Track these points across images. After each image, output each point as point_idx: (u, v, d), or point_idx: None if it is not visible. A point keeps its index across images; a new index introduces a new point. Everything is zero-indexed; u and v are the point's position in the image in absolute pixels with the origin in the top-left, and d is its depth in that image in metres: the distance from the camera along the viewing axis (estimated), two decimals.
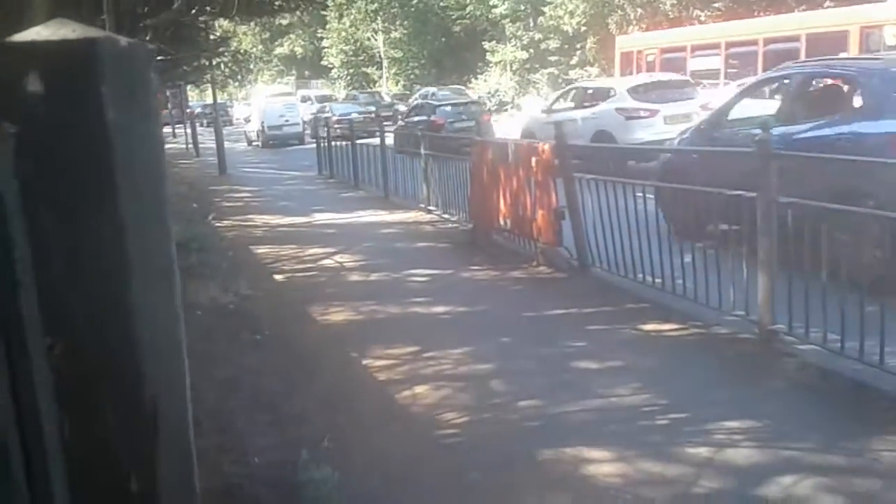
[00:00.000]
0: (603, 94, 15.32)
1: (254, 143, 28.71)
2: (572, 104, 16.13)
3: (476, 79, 42.72)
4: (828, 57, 10.50)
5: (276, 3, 11.32)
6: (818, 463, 3.24)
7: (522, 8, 42.29)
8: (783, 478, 3.14)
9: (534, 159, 6.94)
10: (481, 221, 8.10)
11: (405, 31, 48.83)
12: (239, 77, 31.74)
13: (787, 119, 6.45)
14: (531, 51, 41.99)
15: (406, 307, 5.98)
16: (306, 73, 53.18)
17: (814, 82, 7.27)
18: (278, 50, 55.57)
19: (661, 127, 12.88)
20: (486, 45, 43.43)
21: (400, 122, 21.29)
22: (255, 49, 50.75)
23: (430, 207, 10.00)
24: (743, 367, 4.35)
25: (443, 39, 47.43)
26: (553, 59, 40.68)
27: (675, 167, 6.91)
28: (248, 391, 4.30)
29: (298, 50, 55.56)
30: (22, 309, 0.89)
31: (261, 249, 8.59)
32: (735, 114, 7.77)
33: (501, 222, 7.63)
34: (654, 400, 4.00)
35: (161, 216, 1.05)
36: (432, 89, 33.72)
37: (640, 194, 5.79)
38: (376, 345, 5.01)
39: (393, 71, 49.79)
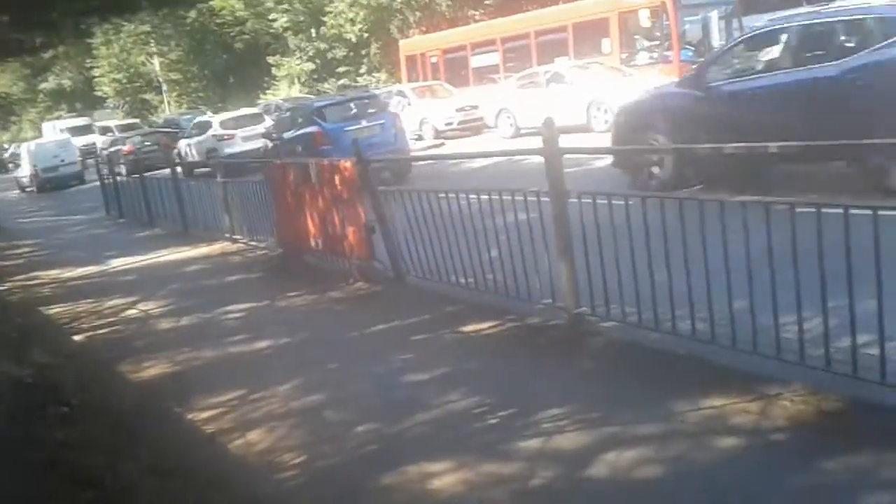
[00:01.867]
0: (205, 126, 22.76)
1: (28, 189, 26.33)
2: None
3: (265, 94, 41.83)
4: None
5: (37, 40, 10.35)
6: (635, 434, 3.51)
7: (302, 19, 41.94)
8: (607, 455, 3.38)
9: (337, 177, 6.94)
10: (291, 245, 7.98)
11: (182, 52, 46.80)
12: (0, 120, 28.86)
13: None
14: (318, 61, 41.75)
15: (225, 348, 5.75)
16: (78, 105, 49.40)
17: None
18: (43, 85, 51.19)
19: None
20: (271, 59, 42.65)
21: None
22: (14, 88, 46.39)
23: (236, 236, 9.68)
24: (557, 354, 4.63)
25: (224, 57, 45.93)
26: (341, 69, 40.72)
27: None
28: (64, 470, 3.95)
29: (66, 83, 51.54)
30: None
31: (54, 309, 7.88)
32: None
33: (312, 243, 7.56)
34: (483, 400, 4.14)
35: None
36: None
37: (444, 197, 5.93)
38: (199, 395, 4.78)
39: (175, 94, 47.56)
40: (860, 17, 7.47)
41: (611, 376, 4.19)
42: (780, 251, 3.62)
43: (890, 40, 6.73)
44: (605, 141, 11.06)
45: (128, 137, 27.16)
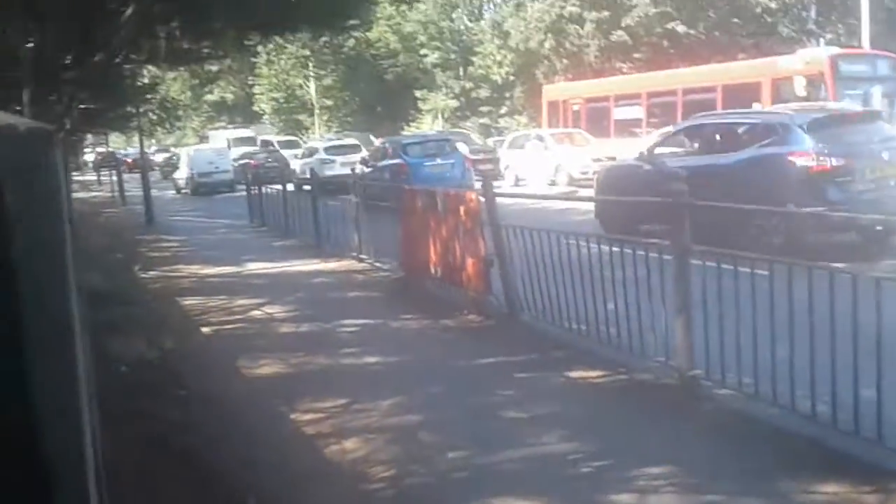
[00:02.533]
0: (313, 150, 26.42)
1: (183, 191, 28.27)
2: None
3: (409, 126, 43.25)
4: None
5: (204, 50, 11.27)
6: None
7: (452, 57, 43.22)
8: None
9: (462, 208, 7.07)
10: (413, 270, 8.17)
11: (336, 78, 49.20)
12: (167, 123, 31.40)
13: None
14: (462, 99, 42.81)
15: (336, 358, 5.95)
16: (237, 119, 52.84)
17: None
18: (207, 97, 55.15)
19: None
20: (418, 92, 44.09)
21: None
22: (183, 96, 50.23)
23: (363, 256, 10.01)
24: (664, 413, 4.48)
25: (375, 87, 47.94)
26: (484, 108, 41.52)
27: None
28: (172, 449, 4.20)
29: (229, 96, 55.29)
30: None
31: (188, 301, 8.43)
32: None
33: (432, 270, 7.71)
34: (580, 448, 4.07)
35: (62, 284, 1.10)
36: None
37: (566, 241, 5.94)
38: (305, 398, 4.97)
39: (325, 118, 49.98)
40: (751, 121, 10.25)
41: (718, 444, 4.01)
42: None
43: (766, 140, 9.15)
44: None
45: (255, 153, 29.99)
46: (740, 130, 9.92)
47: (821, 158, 8.51)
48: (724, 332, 4.42)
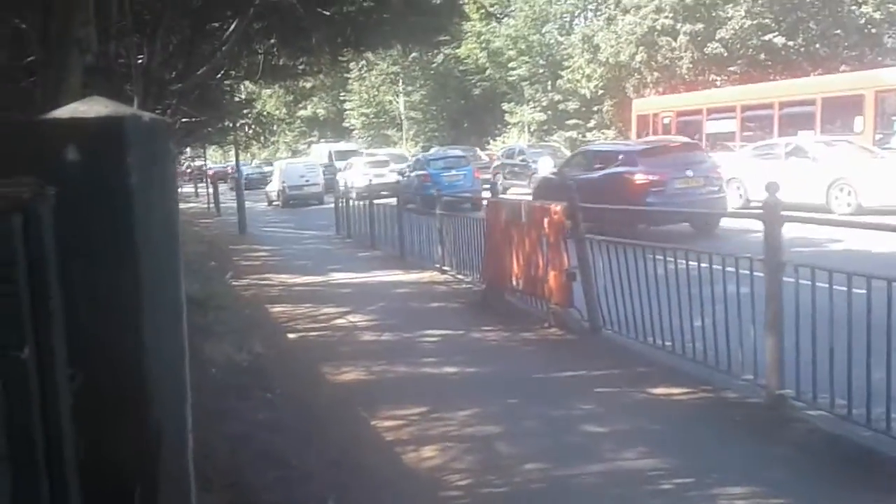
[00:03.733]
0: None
1: (274, 203, 29.21)
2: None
3: (495, 139, 43.36)
4: None
5: (300, 67, 11.69)
6: None
7: (541, 71, 43.14)
8: None
9: (546, 220, 7.05)
10: (494, 282, 8.18)
11: (424, 94, 49.89)
12: (262, 138, 32.57)
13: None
14: (549, 113, 42.64)
15: (416, 367, 6.02)
16: (328, 134, 54.30)
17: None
18: (301, 112, 56.89)
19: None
20: (505, 106, 44.16)
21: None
22: (278, 111, 52.00)
23: (445, 268, 10.10)
24: (750, 433, 4.34)
25: (462, 102, 48.36)
26: (571, 122, 41.24)
27: None
28: (258, 448, 4.35)
29: (321, 112, 56.87)
30: (52, 342, 1.03)
31: (276, 308, 8.70)
32: None
33: (514, 283, 7.70)
34: (660, 465, 3.99)
35: (173, 266, 1.21)
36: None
37: (652, 256, 5.84)
38: (385, 405, 5.05)
39: (412, 132, 50.74)
40: (611, 149, 15.53)
41: (806, 466, 3.86)
42: None
43: (617, 163, 13.38)
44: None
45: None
46: (606, 155, 14.22)
47: (643, 176, 12.67)
48: (816, 350, 4.25)
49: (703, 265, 5.40)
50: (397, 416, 4.84)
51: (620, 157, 13.60)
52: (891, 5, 31.80)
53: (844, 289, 4.17)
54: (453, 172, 21.67)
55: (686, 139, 18.43)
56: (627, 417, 4.70)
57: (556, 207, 6.90)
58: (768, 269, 4.62)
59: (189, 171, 41.01)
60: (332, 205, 17.52)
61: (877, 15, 32.08)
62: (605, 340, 6.32)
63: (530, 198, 13.20)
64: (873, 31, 32.69)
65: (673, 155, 13.84)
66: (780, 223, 4.59)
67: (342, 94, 52.18)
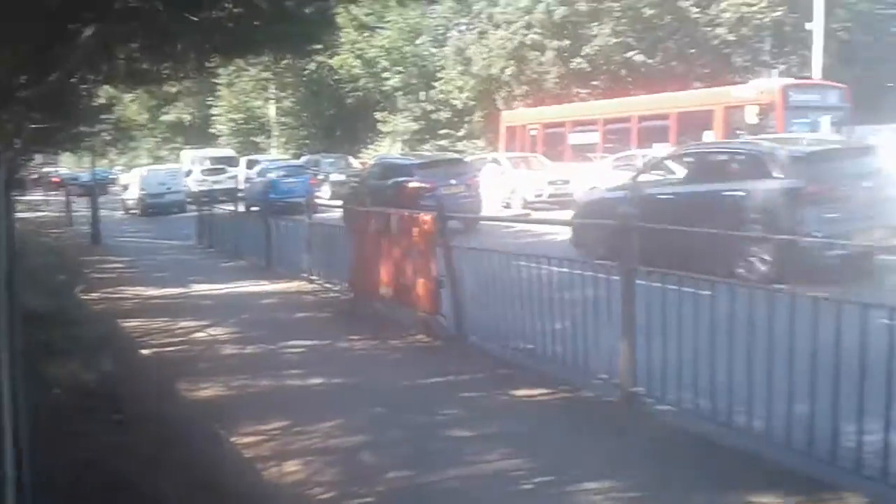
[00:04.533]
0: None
1: (132, 212, 27.89)
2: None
3: (367, 148, 43.25)
4: None
5: (164, 72, 11.13)
6: None
7: (414, 82, 43.45)
8: None
9: (416, 229, 7.06)
10: (362, 290, 8.11)
11: (296, 101, 49.10)
12: (120, 145, 30.94)
13: None
14: (422, 122, 43.00)
15: (280, 380, 5.85)
16: (194, 140, 52.33)
17: None
18: (165, 117, 54.53)
19: None
20: (379, 115, 44.17)
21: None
22: (140, 116, 49.63)
23: (313, 277, 9.93)
24: (605, 430, 4.50)
25: (335, 109, 47.92)
26: (443, 131, 41.77)
27: None
28: (104, 474, 4.06)
29: (186, 117, 54.77)
30: None
31: (130, 323, 8.22)
32: None
33: (382, 291, 7.66)
34: (522, 465, 4.06)
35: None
36: None
37: (516, 263, 5.96)
38: (246, 420, 4.87)
39: (283, 139, 49.78)
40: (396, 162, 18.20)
41: (657, 460, 4.03)
42: (848, 354, 3.45)
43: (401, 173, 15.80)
44: None
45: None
46: (395, 167, 17.23)
47: (417, 184, 15.67)
48: (666, 350, 4.47)
49: (563, 270, 5.56)
50: (258, 431, 4.68)
51: (403, 169, 16.86)
52: (743, 29, 34.22)
53: (692, 290, 4.40)
54: (291, 180, 24.50)
55: (455, 156, 23.34)
56: (491, 420, 4.77)
57: (427, 217, 6.93)
58: (622, 275, 4.81)
59: (38, 178, 38.33)
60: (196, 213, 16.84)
61: (730, 37, 34.39)
62: (471, 346, 6.39)
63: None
64: (726, 51, 35.03)
65: (443, 168, 17.28)
66: (635, 232, 4.80)
67: (209, 99, 50.46)
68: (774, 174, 9.16)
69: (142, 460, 4.22)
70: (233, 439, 4.61)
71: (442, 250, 6.77)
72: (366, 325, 7.40)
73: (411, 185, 15.93)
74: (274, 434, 4.63)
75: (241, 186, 28.14)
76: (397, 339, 6.88)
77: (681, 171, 11.45)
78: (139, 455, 4.28)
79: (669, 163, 12.13)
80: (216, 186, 28.15)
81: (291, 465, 4.16)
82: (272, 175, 25.05)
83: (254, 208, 14.09)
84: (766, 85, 20.53)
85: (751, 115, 19.59)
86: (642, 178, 11.44)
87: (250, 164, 33.58)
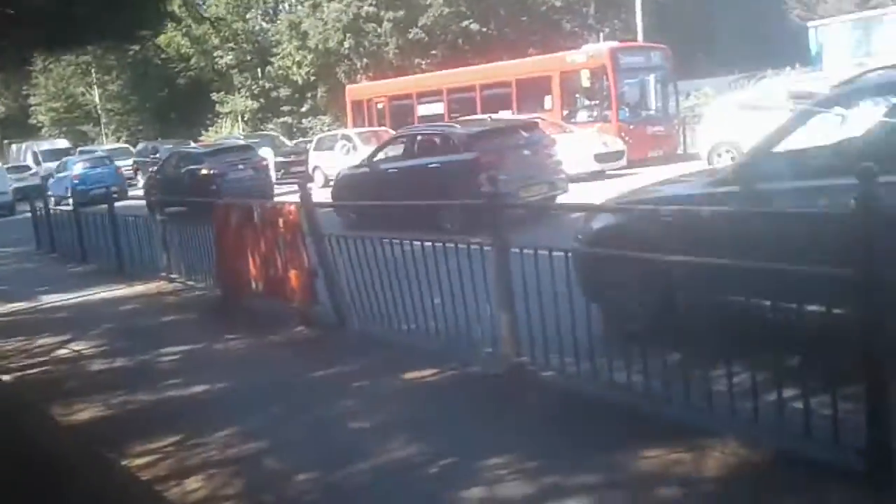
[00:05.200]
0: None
1: None
2: None
3: (207, 131, 41.53)
4: None
5: None
6: (574, 484, 3.58)
7: (249, 59, 42.00)
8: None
9: (281, 220, 6.94)
10: (230, 287, 7.89)
11: (122, 84, 46.20)
12: None
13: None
14: (262, 100, 41.76)
15: (160, 392, 5.61)
16: (12, 133, 48.01)
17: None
18: None
19: None
20: (215, 95, 42.43)
21: None
22: None
23: (173, 276, 9.52)
24: (497, 403, 4.67)
25: (166, 91, 45.50)
26: (285, 108, 40.81)
27: None
28: None
29: (0, 109, 50.17)
30: None
31: None
32: None
33: (253, 286, 7.49)
34: (426, 450, 4.16)
35: None
36: None
37: (389, 244, 5.99)
38: (134, 440, 4.64)
39: (113, 126, 46.76)
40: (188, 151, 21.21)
41: (550, 426, 4.26)
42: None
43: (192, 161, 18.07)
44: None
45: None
46: (187, 156, 19.18)
47: (208, 170, 17.64)
48: (544, 317, 4.69)
49: (437, 245, 5.63)
50: (150, 450, 4.49)
51: (194, 157, 18.75)
52: None
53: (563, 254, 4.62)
54: (99, 170, 24.94)
55: (239, 142, 25.37)
56: (387, 407, 4.83)
57: (291, 206, 6.82)
58: (496, 251, 4.98)
59: None
60: (30, 215, 15.52)
61: (557, 3, 35.64)
62: (354, 333, 6.40)
63: None
64: (555, 17, 36.31)
65: (232, 154, 19.07)
66: (503, 209, 4.98)
67: (25, 88, 46.40)
68: (460, 149, 11.93)
69: (24, 498, 3.97)
70: (124, 462, 4.40)
71: (313, 238, 6.71)
72: (240, 323, 7.21)
73: (202, 172, 17.41)
74: (168, 451, 4.46)
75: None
76: (276, 334, 6.77)
77: (399, 149, 13.92)
78: (20, 493, 4.02)
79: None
80: (20, 184, 26.78)
81: (194, 482, 4.05)
82: (78, 167, 25.42)
83: (64, 206, 14.06)
84: (597, 49, 21.61)
85: (585, 80, 20.61)
86: (380, 155, 13.86)
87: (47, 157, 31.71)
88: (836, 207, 3.69)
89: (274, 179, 24.22)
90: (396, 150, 14.13)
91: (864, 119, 5.27)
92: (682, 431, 3.90)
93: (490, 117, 16.25)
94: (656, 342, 4.14)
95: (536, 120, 15.87)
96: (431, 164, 12.46)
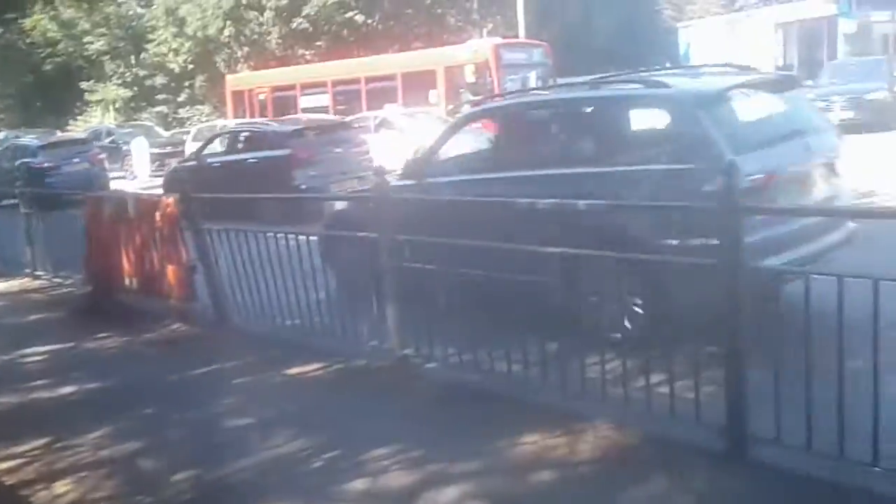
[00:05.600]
0: None
1: None
2: None
3: (75, 120, 39.26)
4: None
5: None
6: (457, 471, 3.67)
7: (122, 45, 40.01)
8: (430, 492, 3.50)
9: (158, 213, 6.69)
10: (102, 283, 7.53)
11: None
12: None
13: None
14: (136, 89, 39.91)
15: (26, 394, 5.30)
16: None
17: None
18: None
19: None
20: (84, 84, 40.16)
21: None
22: None
23: (39, 272, 9.00)
24: (382, 395, 4.71)
25: (31, 78, 42.63)
26: (160, 96, 39.18)
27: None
28: None
29: None
30: None
31: None
32: None
33: (127, 282, 7.19)
34: (309, 444, 4.14)
35: None
36: None
37: (274, 237, 5.90)
38: None
39: None
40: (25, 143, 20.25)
41: (434, 416, 4.33)
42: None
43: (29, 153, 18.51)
44: None
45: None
46: (23, 149, 19.05)
47: (40, 162, 17.82)
48: (429, 309, 4.77)
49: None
50: (15, 454, 4.24)
51: (29, 150, 18.87)
52: None
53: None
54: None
55: (80, 136, 25.34)
56: (269, 403, 4.77)
57: (169, 199, 6.59)
58: (383, 245, 5.01)
59: None
60: None
61: None
62: (235, 329, 6.28)
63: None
64: (439, 11, 36.56)
65: (67, 147, 19.36)
66: (390, 203, 5.01)
67: None
68: (273, 146, 12.99)
69: None
70: None
71: (192, 233, 6.51)
72: (113, 321, 6.90)
73: (35, 164, 17.64)
74: (34, 454, 4.23)
75: None
76: (152, 332, 6.53)
77: (224, 145, 14.92)
78: None
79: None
80: None
81: (62, 486, 3.86)
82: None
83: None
84: (480, 45, 21.97)
85: (469, 75, 20.92)
86: (208, 149, 14.83)
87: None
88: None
89: (149, 171, 23.32)
90: (222, 145, 15.14)
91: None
92: (558, 417, 4.07)
93: (307, 118, 17.88)
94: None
95: (348, 120, 17.79)
96: (250, 159, 13.30)
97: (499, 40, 23.35)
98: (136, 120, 35.21)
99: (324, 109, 24.03)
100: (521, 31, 27.11)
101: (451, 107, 21.51)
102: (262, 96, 26.26)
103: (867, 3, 23.83)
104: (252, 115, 25.45)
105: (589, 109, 6.03)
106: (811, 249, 4.86)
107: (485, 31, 30.55)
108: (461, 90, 21.65)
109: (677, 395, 3.71)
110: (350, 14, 34.57)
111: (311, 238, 5.79)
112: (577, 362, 4.09)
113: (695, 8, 36.28)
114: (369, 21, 34.91)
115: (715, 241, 3.47)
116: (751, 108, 5.32)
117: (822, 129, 5.72)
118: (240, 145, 14.30)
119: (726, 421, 3.52)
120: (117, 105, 39.80)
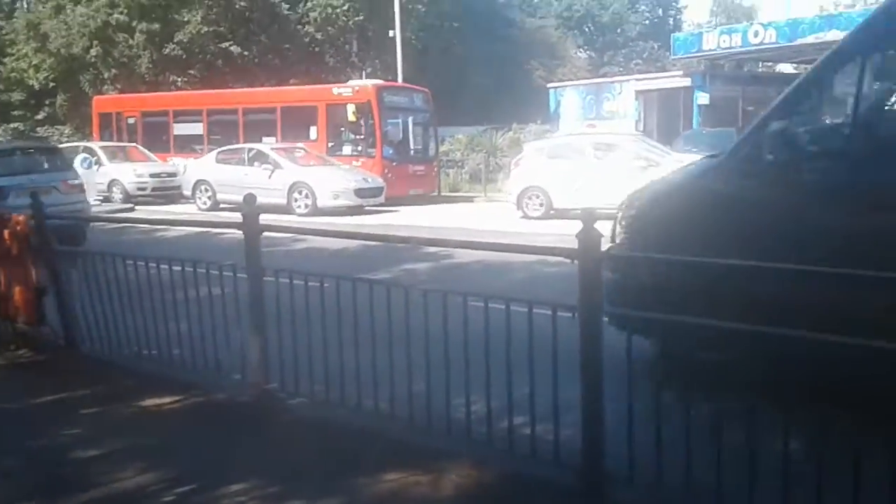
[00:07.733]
0: None
1: None
2: None
3: None
4: None
5: None
6: None
7: None
8: None
9: (6, 231, 6.25)
10: None
11: None
12: None
13: None
14: None
15: None
16: None
17: None
18: None
19: None
20: None
21: None
22: None
23: None
24: (242, 430, 4.56)
25: None
26: (17, 113, 36.85)
27: None
28: None
29: None
30: None
31: None
32: None
33: None
34: (160, 478, 3.94)
35: None
36: None
37: (133, 265, 5.62)
38: None
39: None
40: None
41: (296, 452, 4.23)
42: (455, 339, 4.03)
43: None
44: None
45: None
46: None
47: None
48: (296, 344, 4.69)
49: (187, 270, 5.41)
50: None
51: None
52: (330, 29, 36.13)
53: (317, 285, 4.67)
54: None
55: None
56: (120, 435, 4.51)
57: (20, 217, 6.17)
58: (250, 276, 4.91)
59: None
60: None
61: (319, 35, 36.04)
62: (86, 358, 5.91)
63: None
64: (317, 49, 36.63)
65: None
66: (258, 233, 4.93)
67: None
68: None
69: None
70: None
71: (42, 254, 6.12)
72: None
73: None
74: None
75: None
76: None
77: None
78: None
79: None
80: None
81: None
82: None
83: None
84: (363, 86, 22.21)
85: (350, 113, 21.05)
86: None
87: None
88: None
89: None
90: None
91: None
92: (422, 455, 4.08)
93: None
94: (400, 369, 4.29)
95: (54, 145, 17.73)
96: None
97: (381, 83, 23.67)
98: None
99: (198, 139, 23.38)
100: (399, 77, 27.60)
101: (331, 144, 21.51)
102: (131, 120, 25.23)
103: (718, 79, 26.11)
104: (120, 139, 24.38)
105: None
106: None
107: (364, 73, 30.87)
108: (341, 129, 21.73)
109: (539, 437, 3.81)
110: (225, 45, 34.00)
111: (173, 267, 5.53)
112: (443, 401, 4.13)
113: (565, 70, 38.30)
114: (246, 53, 34.48)
115: None
116: None
117: None
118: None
119: (582, 461, 3.65)
120: None
